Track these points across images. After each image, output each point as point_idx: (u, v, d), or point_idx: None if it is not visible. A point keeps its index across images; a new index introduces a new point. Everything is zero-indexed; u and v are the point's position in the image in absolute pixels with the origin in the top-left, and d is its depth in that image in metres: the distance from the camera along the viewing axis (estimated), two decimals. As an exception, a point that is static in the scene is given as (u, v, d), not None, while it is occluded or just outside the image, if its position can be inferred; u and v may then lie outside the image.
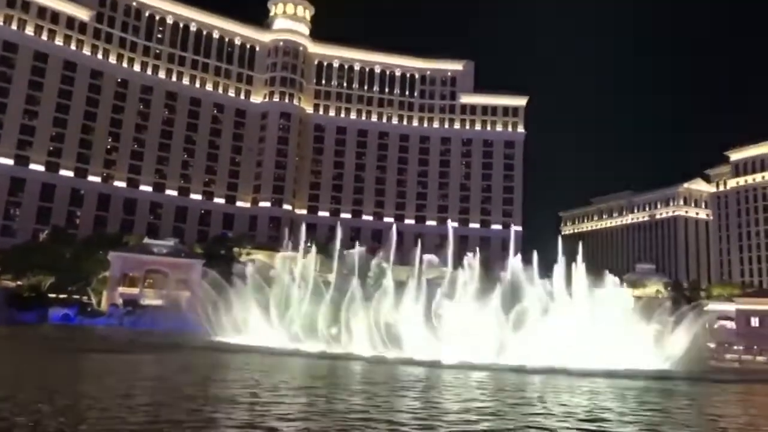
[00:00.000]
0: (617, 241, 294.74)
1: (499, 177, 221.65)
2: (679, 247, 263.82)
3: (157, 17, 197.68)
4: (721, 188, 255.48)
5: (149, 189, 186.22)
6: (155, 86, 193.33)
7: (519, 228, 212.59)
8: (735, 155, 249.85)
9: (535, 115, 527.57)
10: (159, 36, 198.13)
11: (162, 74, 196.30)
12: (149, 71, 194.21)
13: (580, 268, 66.58)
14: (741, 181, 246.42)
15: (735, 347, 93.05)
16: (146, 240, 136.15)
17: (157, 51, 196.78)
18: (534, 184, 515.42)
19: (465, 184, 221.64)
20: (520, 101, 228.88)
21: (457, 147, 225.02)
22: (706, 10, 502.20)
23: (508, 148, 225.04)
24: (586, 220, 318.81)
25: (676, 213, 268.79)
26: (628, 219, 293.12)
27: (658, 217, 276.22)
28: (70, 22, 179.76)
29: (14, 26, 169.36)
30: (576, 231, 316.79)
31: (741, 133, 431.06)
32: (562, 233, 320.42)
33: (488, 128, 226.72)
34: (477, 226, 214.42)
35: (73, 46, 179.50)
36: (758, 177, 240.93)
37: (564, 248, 71.64)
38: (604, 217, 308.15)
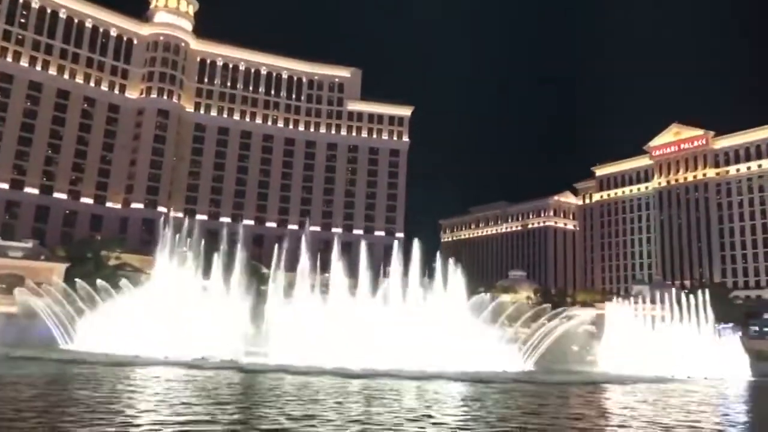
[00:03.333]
0: (493, 248, 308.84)
1: (383, 184, 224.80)
2: (548, 256, 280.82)
3: (21, 0, 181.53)
4: (587, 201, 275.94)
5: (5, 186, 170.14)
6: (16, 75, 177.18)
7: (401, 234, 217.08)
8: (600, 171, 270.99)
9: (419, 124, 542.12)
10: (22, 20, 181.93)
11: (24, 62, 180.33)
12: (9, 58, 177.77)
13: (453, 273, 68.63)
14: (604, 195, 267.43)
15: (595, 350, 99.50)
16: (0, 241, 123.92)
17: (20, 36, 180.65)
18: (417, 193, 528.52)
19: (350, 190, 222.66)
20: (406, 111, 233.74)
21: (343, 153, 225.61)
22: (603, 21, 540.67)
23: (393, 156, 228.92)
24: (464, 228, 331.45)
25: (546, 223, 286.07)
26: (503, 228, 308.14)
27: (530, 226, 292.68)
28: None
29: None
30: (455, 239, 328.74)
31: (607, 151, 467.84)
32: (442, 240, 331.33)
33: (374, 136, 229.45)
34: (361, 232, 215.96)
35: None
36: (619, 192, 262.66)
37: (443, 254, 73.85)
38: (480, 225, 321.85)
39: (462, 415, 27.30)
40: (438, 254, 73.89)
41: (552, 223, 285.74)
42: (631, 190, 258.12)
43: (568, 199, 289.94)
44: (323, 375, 47.17)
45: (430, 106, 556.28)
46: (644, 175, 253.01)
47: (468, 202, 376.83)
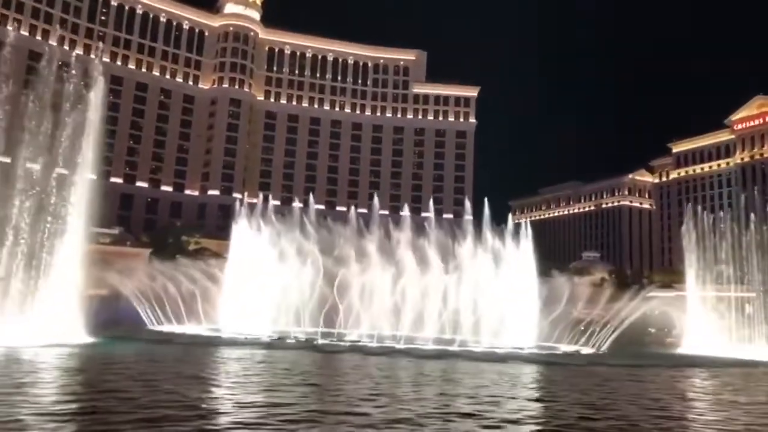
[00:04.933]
0: (565, 230, 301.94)
1: (450, 166, 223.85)
2: (623, 236, 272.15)
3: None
4: (664, 179, 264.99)
5: (93, 177, 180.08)
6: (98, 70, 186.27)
7: (470, 217, 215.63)
8: (677, 148, 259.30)
9: (487, 105, 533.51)
10: (103, 18, 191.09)
11: (106, 58, 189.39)
12: (92, 54, 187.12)
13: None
14: (682, 172, 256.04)
15: (674, 331, 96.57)
16: (91, 229, 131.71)
17: (101, 33, 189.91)
18: (485, 174, 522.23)
19: (417, 173, 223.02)
20: (472, 92, 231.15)
21: (409, 136, 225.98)
22: None
23: (459, 137, 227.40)
24: (535, 210, 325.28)
25: (621, 203, 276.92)
26: (575, 208, 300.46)
27: (604, 206, 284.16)
28: (6, 1, 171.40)
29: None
30: (525, 220, 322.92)
31: (683, 127, 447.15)
32: (513, 222, 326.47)
33: (440, 118, 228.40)
34: (429, 215, 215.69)
35: (9, 27, 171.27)
36: (698, 168, 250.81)
37: (514, 236, 73.34)
38: (552, 206, 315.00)
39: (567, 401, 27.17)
40: (507, 233, 73.38)
41: (627, 203, 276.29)
42: (710, 167, 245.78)
43: (644, 177, 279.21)
44: (398, 355, 47.98)
45: (497, 86, 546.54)
46: (725, 151, 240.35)
47: (538, 182, 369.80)
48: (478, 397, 24.63)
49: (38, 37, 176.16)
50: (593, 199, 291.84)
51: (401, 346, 53.53)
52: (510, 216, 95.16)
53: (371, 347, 52.39)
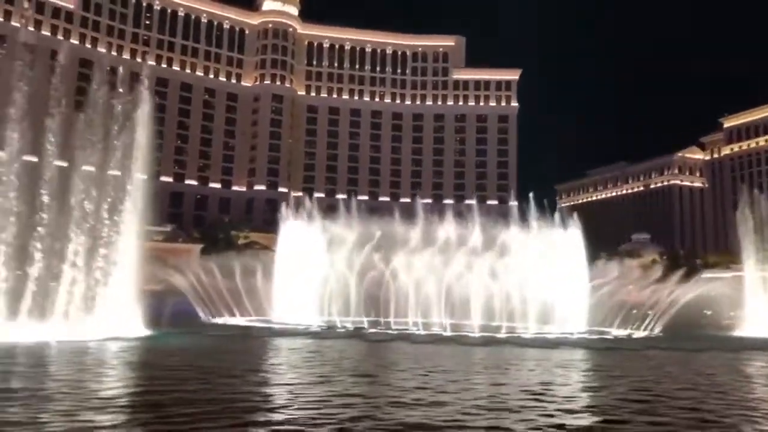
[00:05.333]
0: (613, 212, 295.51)
1: (493, 152, 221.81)
2: (674, 217, 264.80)
3: (144, 3, 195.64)
4: (716, 155, 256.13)
5: (144, 176, 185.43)
6: (145, 74, 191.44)
7: (515, 202, 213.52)
8: (729, 122, 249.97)
9: (528, 88, 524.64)
10: (147, 22, 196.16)
11: (152, 61, 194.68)
12: (138, 58, 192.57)
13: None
14: (735, 147, 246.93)
15: (732, 314, 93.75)
16: (144, 227, 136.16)
17: (146, 37, 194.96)
18: (530, 158, 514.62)
19: (459, 160, 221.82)
20: (513, 75, 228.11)
21: (450, 123, 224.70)
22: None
23: (501, 122, 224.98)
24: (581, 192, 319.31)
25: (670, 182, 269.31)
26: (623, 190, 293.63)
27: (652, 186, 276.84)
28: (56, 11, 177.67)
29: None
30: (572, 203, 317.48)
31: (735, 100, 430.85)
32: (559, 206, 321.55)
33: (481, 103, 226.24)
34: (473, 202, 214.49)
35: (60, 36, 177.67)
36: (752, 143, 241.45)
37: (561, 220, 72.37)
38: (599, 188, 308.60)
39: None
40: (556, 216, 72.50)
41: (677, 182, 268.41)
42: (766, 141, 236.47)
43: (694, 155, 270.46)
44: (447, 342, 48.25)
45: (538, 68, 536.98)
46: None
47: (585, 164, 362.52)
48: (530, 385, 24.72)
49: (87, 45, 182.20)
50: (641, 179, 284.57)
51: (449, 333, 53.83)
52: (557, 199, 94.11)
53: (419, 335, 52.90)
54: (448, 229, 70.41)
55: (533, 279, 61.43)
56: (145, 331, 48.69)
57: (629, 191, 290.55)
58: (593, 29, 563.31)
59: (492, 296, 59.42)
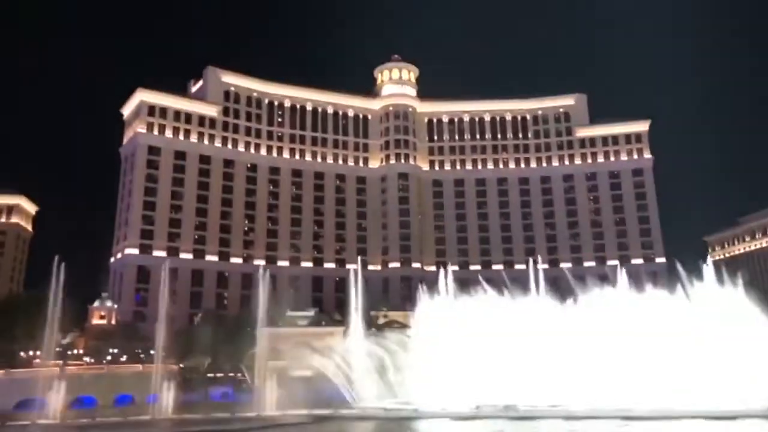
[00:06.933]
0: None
1: (631, 208, 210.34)
2: None
3: (276, 102, 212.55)
4: None
5: (286, 264, 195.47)
6: (282, 167, 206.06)
7: (662, 259, 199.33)
8: None
9: (661, 140, 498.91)
10: (279, 120, 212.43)
11: (286, 154, 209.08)
12: (274, 153, 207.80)
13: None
14: None
15: None
16: (288, 312, 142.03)
17: (279, 134, 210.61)
18: (673, 212, 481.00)
19: (596, 220, 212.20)
20: (642, 126, 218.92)
21: (581, 183, 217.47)
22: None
23: (636, 176, 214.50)
24: (737, 243, 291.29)
25: None
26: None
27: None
28: (201, 119, 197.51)
29: (155, 131, 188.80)
30: (727, 255, 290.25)
31: None
32: (712, 259, 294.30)
33: (612, 159, 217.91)
34: (615, 262, 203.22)
35: (206, 141, 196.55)
36: None
37: (716, 275, 66.48)
38: (757, 236, 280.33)
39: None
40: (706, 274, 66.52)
41: None
42: None
43: None
44: (608, 419, 44.78)
45: (665, 118, 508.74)
46: None
47: (736, 212, 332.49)
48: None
49: (229, 147, 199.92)
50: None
51: (612, 411, 50.01)
52: (708, 254, 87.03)
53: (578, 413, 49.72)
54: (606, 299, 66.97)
55: (705, 348, 56.15)
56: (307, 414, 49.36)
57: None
58: (716, 69, 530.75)
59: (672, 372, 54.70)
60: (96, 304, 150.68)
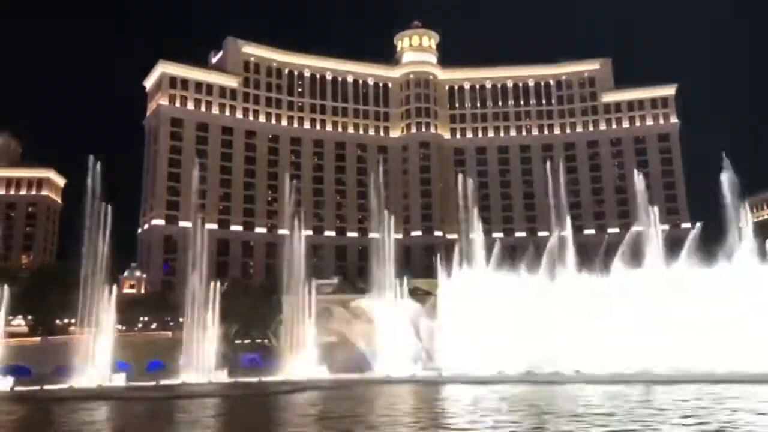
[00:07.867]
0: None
1: (657, 173, 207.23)
2: None
3: (296, 72, 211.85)
4: None
5: (310, 233, 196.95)
6: (303, 137, 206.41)
7: (688, 224, 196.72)
8: None
9: (690, 103, 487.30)
10: (299, 90, 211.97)
11: (307, 125, 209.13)
12: (295, 124, 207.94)
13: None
14: None
15: None
16: (313, 281, 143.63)
17: (300, 104, 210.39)
18: (700, 176, 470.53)
19: (621, 186, 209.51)
20: (668, 90, 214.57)
21: (605, 149, 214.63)
22: None
23: (662, 141, 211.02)
24: (765, 207, 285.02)
25: None
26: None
27: None
28: (222, 91, 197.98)
29: (177, 104, 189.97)
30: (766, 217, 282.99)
31: None
32: (752, 221, 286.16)
33: (637, 124, 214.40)
34: (640, 229, 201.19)
35: (227, 112, 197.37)
36: None
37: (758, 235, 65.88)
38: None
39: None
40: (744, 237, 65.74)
41: None
42: None
43: None
44: (649, 383, 45.16)
45: (692, 80, 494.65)
46: None
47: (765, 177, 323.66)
48: None
49: (250, 118, 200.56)
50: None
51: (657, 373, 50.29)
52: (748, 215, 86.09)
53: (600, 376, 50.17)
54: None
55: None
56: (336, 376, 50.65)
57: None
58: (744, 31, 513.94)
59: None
60: (125, 273, 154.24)
